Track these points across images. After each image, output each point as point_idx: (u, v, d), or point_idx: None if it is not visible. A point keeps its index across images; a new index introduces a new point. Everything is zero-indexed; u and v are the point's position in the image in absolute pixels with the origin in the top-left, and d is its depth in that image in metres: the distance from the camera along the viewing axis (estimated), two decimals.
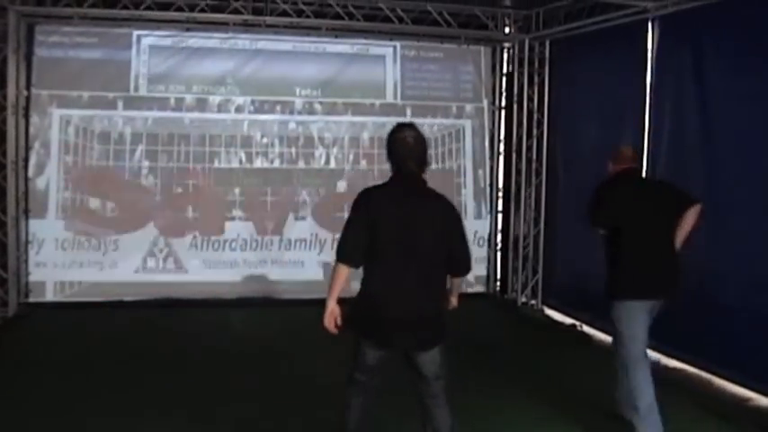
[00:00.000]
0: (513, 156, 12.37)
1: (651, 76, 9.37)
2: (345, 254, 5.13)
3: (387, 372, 5.37)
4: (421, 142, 5.21)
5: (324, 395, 6.85)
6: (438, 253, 5.10)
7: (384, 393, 5.59)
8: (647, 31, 9.39)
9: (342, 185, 11.90)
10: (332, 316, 5.26)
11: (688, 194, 6.83)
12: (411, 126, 5.30)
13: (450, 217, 5.25)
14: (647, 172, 9.25)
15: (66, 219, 11.04)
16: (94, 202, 11.18)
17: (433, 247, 5.08)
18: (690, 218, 6.64)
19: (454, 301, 5.54)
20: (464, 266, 5.35)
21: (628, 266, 6.61)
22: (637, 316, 6.45)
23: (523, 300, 12.20)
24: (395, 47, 12.17)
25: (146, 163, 11.25)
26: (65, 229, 11.01)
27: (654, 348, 9.00)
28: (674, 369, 8.62)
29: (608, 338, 9.58)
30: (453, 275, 5.38)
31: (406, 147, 5.15)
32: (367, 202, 5.15)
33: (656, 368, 8.63)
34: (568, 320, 10.99)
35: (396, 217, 5.05)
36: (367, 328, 5.21)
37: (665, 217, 6.61)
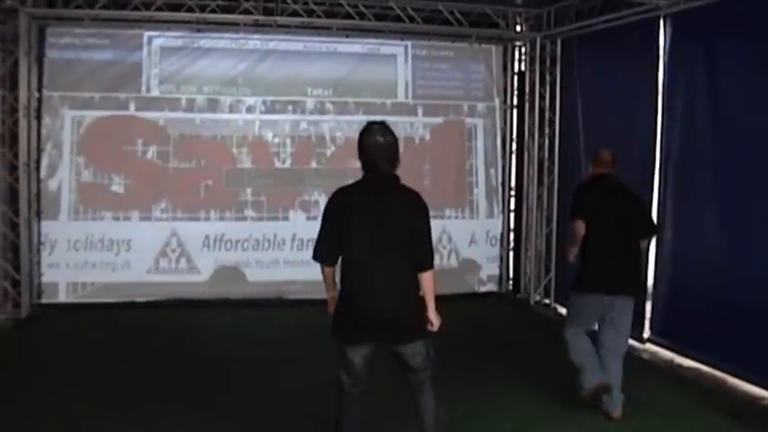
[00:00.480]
0: (525, 154, 12.38)
1: (663, 74, 9.34)
2: (319, 254, 5.36)
3: (377, 374, 5.40)
4: (391, 141, 5.26)
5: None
6: (408, 249, 5.14)
7: (380, 394, 5.64)
8: (658, 29, 9.35)
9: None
10: (333, 301, 5.43)
11: (651, 221, 7.89)
12: (381, 125, 5.34)
13: (417, 213, 5.23)
14: (659, 170, 9.24)
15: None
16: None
17: (404, 243, 5.12)
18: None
19: (431, 315, 5.28)
20: (425, 261, 5.20)
21: (589, 264, 7.15)
22: (587, 306, 7.09)
23: (536, 298, 12.17)
24: (406, 46, 12.14)
25: (158, 163, 11.25)
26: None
27: (668, 347, 9.04)
28: (688, 368, 8.59)
29: None
30: (417, 271, 5.20)
31: (376, 147, 5.21)
32: (339, 202, 5.29)
33: (670, 367, 8.66)
34: None
35: (367, 215, 5.14)
36: (349, 328, 5.25)
37: (630, 223, 7.07)
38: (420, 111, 12.13)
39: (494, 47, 12.48)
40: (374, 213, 5.12)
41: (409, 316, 5.21)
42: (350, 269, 5.22)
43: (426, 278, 5.20)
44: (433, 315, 5.27)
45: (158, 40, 11.28)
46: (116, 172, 11.18)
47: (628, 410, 6.93)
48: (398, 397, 5.75)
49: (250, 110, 11.59)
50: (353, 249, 5.18)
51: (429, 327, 5.27)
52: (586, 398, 6.99)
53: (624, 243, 7.04)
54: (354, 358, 5.24)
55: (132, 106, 11.18)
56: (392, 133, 5.30)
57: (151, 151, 11.26)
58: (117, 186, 11.16)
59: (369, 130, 5.29)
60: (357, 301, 5.16)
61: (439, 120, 12.22)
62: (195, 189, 11.39)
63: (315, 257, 5.37)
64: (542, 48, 12.02)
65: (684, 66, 9.00)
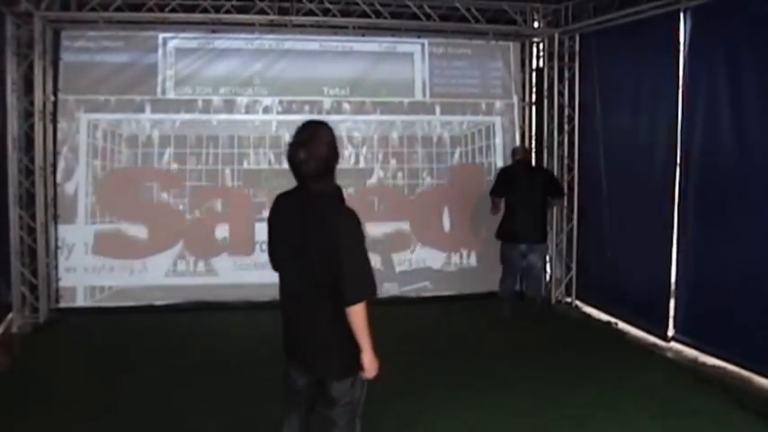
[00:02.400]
0: (545, 152, 12.27)
1: (683, 69, 9.22)
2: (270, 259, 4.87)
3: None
4: (314, 148, 4.43)
5: None
6: (325, 273, 4.34)
7: None
8: (678, 23, 9.25)
9: (371, 184, 11.84)
10: None
11: (559, 186, 11.28)
12: (308, 126, 4.58)
13: (337, 236, 4.33)
14: (680, 166, 9.15)
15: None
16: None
17: (323, 271, 4.34)
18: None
19: (365, 358, 4.49)
20: (349, 294, 4.32)
21: (504, 221, 10.75)
22: (507, 251, 10.74)
23: (557, 297, 12.08)
24: (423, 44, 12.06)
25: (174, 166, 11.21)
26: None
27: (692, 346, 8.94)
28: (714, 367, 8.50)
29: (646, 336, 9.55)
30: (344, 305, 4.35)
31: (294, 152, 4.47)
32: (272, 210, 4.77)
33: (695, 366, 8.56)
34: (604, 317, 10.85)
35: (287, 228, 4.57)
36: (284, 346, 4.76)
37: (536, 190, 10.62)
38: (438, 109, 12.05)
39: (511, 43, 12.39)
40: (293, 228, 4.50)
41: (330, 349, 4.53)
42: (280, 284, 4.74)
43: (353, 314, 4.35)
44: (367, 358, 4.48)
45: (173, 41, 11.25)
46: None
47: (655, 410, 6.87)
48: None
49: (267, 110, 11.54)
50: (280, 263, 4.71)
51: (361, 373, 4.53)
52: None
53: (530, 205, 10.55)
54: (291, 373, 4.70)
55: (148, 109, 11.16)
56: (321, 134, 4.53)
57: (168, 153, 11.25)
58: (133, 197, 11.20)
59: (296, 132, 4.53)
60: (284, 320, 4.71)
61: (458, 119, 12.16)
62: (212, 190, 11.38)
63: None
64: (560, 44, 11.93)
65: (705, 60, 8.88)
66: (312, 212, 4.42)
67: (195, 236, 11.32)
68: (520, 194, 10.52)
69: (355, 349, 4.44)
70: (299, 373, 4.67)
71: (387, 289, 11.67)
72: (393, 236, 11.81)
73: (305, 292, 4.48)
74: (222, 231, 11.39)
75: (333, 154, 4.54)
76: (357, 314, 4.35)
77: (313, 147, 4.42)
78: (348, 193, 11.47)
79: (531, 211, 10.53)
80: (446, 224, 12.13)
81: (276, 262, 4.77)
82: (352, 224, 4.41)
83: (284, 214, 4.62)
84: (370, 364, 4.48)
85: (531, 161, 11.88)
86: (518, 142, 12.25)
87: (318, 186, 4.47)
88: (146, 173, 11.23)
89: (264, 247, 11.26)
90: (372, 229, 11.56)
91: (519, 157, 11.06)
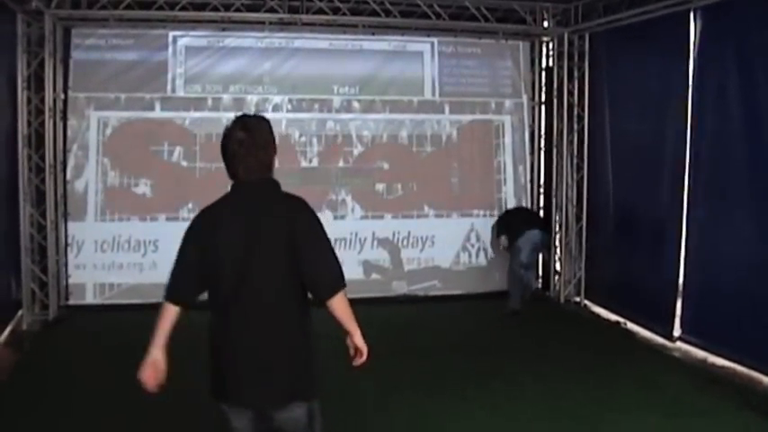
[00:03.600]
0: (554, 151, 12.25)
1: (693, 69, 9.20)
2: (170, 291, 4.25)
3: None
4: (254, 143, 4.10)
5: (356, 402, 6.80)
6: (287, 277, 4.01)
7: None
8: (688, 23, 9.22)
9: (380, 184, 11.85)
10: (151, 367, 4.39)
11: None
12: (243, 119, 4.23)
13: (297, 227, 4.01)
14: (690, 166, 9.15)
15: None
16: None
17: (287, 272, 3.99)
18: None
19: (357, 341, 4.15)
20: (324, 286, 4.04)
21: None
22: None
23: (566, 296, 12.05)
24: (432, 43, 12.06)
25: (184, 164, 11.23)
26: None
27: (700, 346, 8.93)
28: (722, 367, 8.48)
29: (654, 337, 9.53)
30: (321, 301, 4.05)
31: (234, 150, 4.12)
32: (199, 225, 4.20)
33: (704, 366, 8.55)
34: (612, 317, 10.84)
35: (230, 241, 4.03)
36: (219, 386, 4.22)
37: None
38: (447, 108, 12.05)
39: (521, 43, 12.39)
40: (239, 239, 3.99)
41: (286, 370, 4.07)
42: (216, 312, 4.20)
43: (336, 304, 4.04)
44: (359, 340, 4.15)
45: (183, 39, 11.27)
46: (142, 175, 11.19)
47: (664, 410, 6.86)
48: None
49: (276, 108, 11.55)
50: (219, 286, 4.12)
51: (357, 358, 4.18)
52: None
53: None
54: (233, 420, 4.20)
55: (158, 106, 11.18)
56: (259, 128, 4.20)
57: (177, 151, 11.25)
58: (144, 188, 11.17)
59: (230, 128, 4.17)
60: (222, 350, 4.18)
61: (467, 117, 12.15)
62: (222, 190, 11.27)
63: (165, 295, 4.28)
64: (570, 43, 11.89)
65: (715, 61, 8.87)
66: (265, 211, 4.05)
67: None
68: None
69: (315, 372, 4.18)
70: (246, 413, 4.16)
71: (395, 287, 11.72)
72: (402, 233, 11.84)
73: (259, 312, 4.02)
74: None
75: (274, 147, 4.26)
76: (341, 302, 4.05)
77: (259, 133, 4.18)
78: (358, 191, 11.64)
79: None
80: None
81: (200, 287, 4.22)
82: (313, 212, 4.15)
83: (227, 226, 4.08)
84: (362, 344, 4.14)
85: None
86: (527, 142, 12.27)
87: (264, 180, 4.17)
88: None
89: None
90: (381, 226, 11.62)
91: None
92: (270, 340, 4.04)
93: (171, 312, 4.28)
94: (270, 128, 4.28)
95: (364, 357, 4.19)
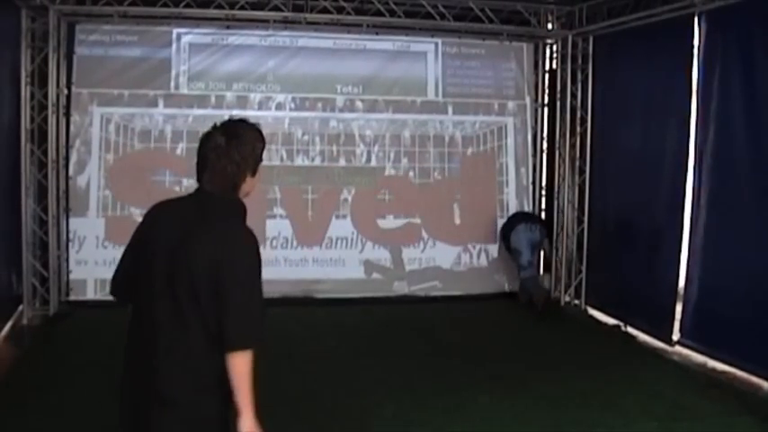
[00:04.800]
0: (557, 154, 12.25)
1: (697, 73, 9.20)
2: (112, 284, 3.81)
3: None
4: (228, 154, 3.52)
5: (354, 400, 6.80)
6: (210, 315, 3.36)
7: None
8: (693, 27, 9.22)
9: (382, 182, 11.87)
10: None
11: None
12: (232, 127, 3.66)
13: (226, 266, 3.37)
14: (693, 170, 9.16)
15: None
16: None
17: (203, 304, 3.36)
18: None
19: (244, 424, 3.35)
20: (233, 338, 3.34)
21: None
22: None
23: (567, 299, 12.05)
24: (436, 44, 12.07)
25: (186, 160, 11.18)
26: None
27: (699, 350, 8.93)
28: (722, 372, 8.47)
29: (653, 341, 9.54)
30: (224, 351, 3.34)
31: (202, 157, 3.58)
32: (144, 220, 3.73)
33: (703, 370, 8.56)
34: (612, 321, 10.82)
35: (161, 248, 3.49)
36: (120, 412, 3.64)
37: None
38: (450, 109, 12.05)
39: (525, 44, 12.39)
40: (172, 250, 3.44)
41: (182, 408, 3.39)
42: (131, 322, 3.64)
43: (236, 365, 3.35)
44: (247, 423, 3.37)
45: (187, 36, 11.28)
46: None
47: (663, 414, 6.87)
48: None
49: (279, 107, 11.58)
50: (140, 292, 3.57)
51: None
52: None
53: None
54: None
55: (161, 103, 11.20)
56: (242, 140, 3.59)
57: (180, 148, 11.25)
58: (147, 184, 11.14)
59: (212, 126, 3.66)
60: (125, 369, 3.62)
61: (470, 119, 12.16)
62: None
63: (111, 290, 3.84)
64: (574, 45, 11.88)
65: (719, 64, 8.86)
66: (203, 230, 3.45)
67: None
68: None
69: (226, 413, 3.48)
70: None
71: (396, 287, 11.72)
72: (403, 231, 11.87)
73: (170, 325, 3.42)
74: None
75: (253, 162, 3.63)
76: (241, 363, 3.35)
77: (237, 144, 3.57)
78: (360, 191, 11.65)
79: None
80: (456, 218, 12.15)
81: (130, 286, 3.64)
82: (251, 250, 3.52)
83: (163, 225, 3.59)
84: (253, 429, 3.38)
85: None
86: (530, 144, 12.29)
87: (220, 195, 3.57)
88: (157, 160, 11.29)
89: (275, 243, 11.44)
90: (384, 225, 11.64)
91: None
92: (170, 365, 3.41)
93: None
94: (255, 142, 3.67)
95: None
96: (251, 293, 3.43)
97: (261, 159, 3.67)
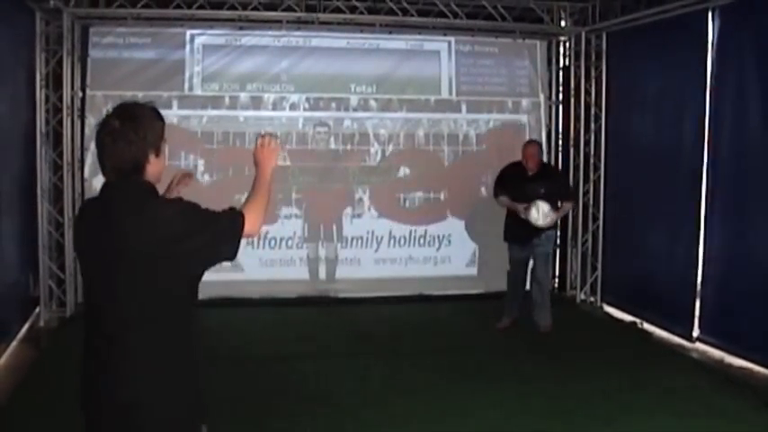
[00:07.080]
0: (571, 150, 12.22)
1: (711, 69, 9.16)
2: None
3: None
4: (125, 136, 3.20)
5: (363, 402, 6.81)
6: (149, 300, 3.23)
7: None
8: (707, 22, 9.18)
9: (397, 181, 11.86)
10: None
11: (569, 189, 10.77)
12: (125, 108, 3.33)
13: (177, 235, 3.20)
14: (708, 166, 9.13)
15: None
16: None
17: (138, 291, 3.21)
18: (564, 208, 10.10)
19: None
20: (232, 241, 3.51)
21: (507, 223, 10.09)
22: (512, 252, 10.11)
23: (582, 297, 12.02)
24: (449, 42, 12.04)
25: (201, 161, 11.25)
26: None
27: (718, 347, 8.89)
28: (740, 368, 8.46)
29: (670, 337, 9.50)
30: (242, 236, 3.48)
31: (99, 145, 3.28)
32: (76, 222, 3.61)
33: (721, 367, 8.52)
34: (628, 318, 10.80)
35: (90, 246, 3.35)
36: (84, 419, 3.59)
37: (546, 192, 9.60)
38: (464, 107, 12.03)
39: (538, 42, 12.36)
40: (98, 245, 3.26)
41: (138, 413, 3.30)
42: (86, 335, 3.56)
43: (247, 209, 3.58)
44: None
45: (201, 38, 11.29)
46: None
47: (681, 411, 6.87)
48: None
49: (293, 107, 11.58)
50: (86, 296, 3.60)
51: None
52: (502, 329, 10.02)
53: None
54: None
55: (175, 105, 11.21)
56: (138, 119, 3.27)
57: (192, 156, 11.27)
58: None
59: (104, 119, 3.29)
60: (82, 376, 3.65)
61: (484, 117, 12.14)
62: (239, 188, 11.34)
63: None
64: (587, 42, 11.85)
65: (733, 60, 8.84)
66: (130, 220, 3.17)
67: None
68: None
69: (192, 414, 3.45)
70: None
71: (411, 287, 11.71)
72: (419, 231, 11.83)
73: (123, 329, 3.29)
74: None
75: (153, 141, 3.31)
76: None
77: (131, 123, 3.24)
78: (375, 190, 11.64)
79: None
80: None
81: (85, 288, 3.59)
82: (180, 206, 3.33)
83: (90, 229, 3.36)
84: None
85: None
86: (544, 141, 12.24)
87: (132, 180, 3.28)
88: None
89: (290, 243, 11.45)
90: (399, 228, 11.62)
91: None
92: (124, 368, 3.35)
93: None
94: (152, 121, 3.34)
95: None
96: (218, 220, 3.41)
97: (163, 138, 3.37)
